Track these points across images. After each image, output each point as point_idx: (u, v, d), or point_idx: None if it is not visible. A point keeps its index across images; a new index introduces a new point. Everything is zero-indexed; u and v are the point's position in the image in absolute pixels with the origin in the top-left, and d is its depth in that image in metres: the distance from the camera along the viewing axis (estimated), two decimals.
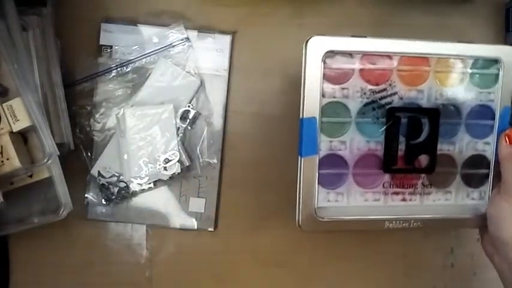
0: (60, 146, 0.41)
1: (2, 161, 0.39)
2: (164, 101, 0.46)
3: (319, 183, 0.40)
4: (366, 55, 0.39)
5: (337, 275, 0.50)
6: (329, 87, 0.39)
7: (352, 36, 0.39)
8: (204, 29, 0.47)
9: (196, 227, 0.47)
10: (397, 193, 0.42)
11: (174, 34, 0.46)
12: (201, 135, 0.47)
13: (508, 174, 0.39)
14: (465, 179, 0.43)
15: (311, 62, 0.38)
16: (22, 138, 0.41)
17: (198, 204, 0.47)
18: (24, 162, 0.40)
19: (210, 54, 0.47)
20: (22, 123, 0.39)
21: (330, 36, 0.38)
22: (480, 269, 0.51)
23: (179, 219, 0.47)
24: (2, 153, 0.39)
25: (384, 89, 0.40)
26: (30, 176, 0.42)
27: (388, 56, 0.39)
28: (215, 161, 0.47)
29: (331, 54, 0.38)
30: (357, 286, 0.50)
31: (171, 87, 0.46)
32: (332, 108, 0.39)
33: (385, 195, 0.42)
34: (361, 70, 0.39)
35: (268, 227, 0.48)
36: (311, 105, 0.38)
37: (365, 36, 0.39)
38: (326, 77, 0.39)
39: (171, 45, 0.46)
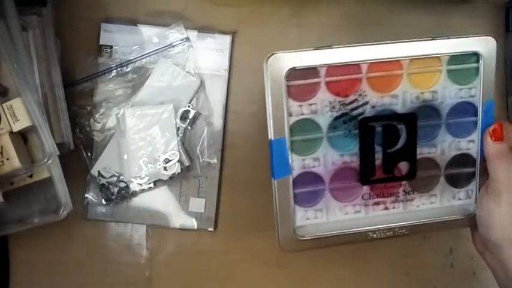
0: (60, 146, 0.41)
1: (2, 161, 0.39)
2: (164, 101, 0.46)
3: (295, 203, 0.39)
4: (331, 67, 0.36)
5: (338, 274, 0.50)
6: (295, 105, 0.37)
7: (317, 48, 0.36)
8: (204, 29, 0.47)
9: (196, 227, 0.47)
10: (378, 203, 0.40)
11: (174, 34, 0.46)
12: (201, 135, 0.47)
13: (495, 173, 0.38)
14: (450, 180, 0.41)
15: (274, 81, 0.36)
16: (22, 138, 0.41)
17: (198, 204, 0.47)
18: (24, 162, 0.40)
19: (210, 54, 0.47)
20: (22, 123, 0.39)
21: (291, 51, 0.35)
22: (480, 269, 0.51)
23: (179, 219, 0.47)
24: (2, 153, 0.39)
25: (354, 100, 0.37)
26: (30, 176, 0.42)
27: (356, 63, 0.37)
28: (215, 161, 0.47)
29: (294, 70, 0.36)
30: (357, 286, 0.50)
31: (171, 87, 0.46)
32: (301, 126, 0.37)
33: (365, 206, 0.40)
34: (327, 83, 0.37)
35: (268, 227, 0.48)
36: (278, 126, 0.37)
37: (330, 46, 0.36)
38: (291, 95, 0.37)
39: (171, 45, 0.46)
